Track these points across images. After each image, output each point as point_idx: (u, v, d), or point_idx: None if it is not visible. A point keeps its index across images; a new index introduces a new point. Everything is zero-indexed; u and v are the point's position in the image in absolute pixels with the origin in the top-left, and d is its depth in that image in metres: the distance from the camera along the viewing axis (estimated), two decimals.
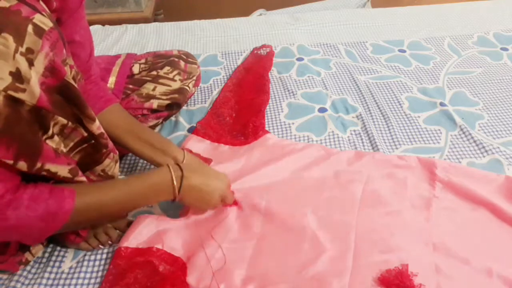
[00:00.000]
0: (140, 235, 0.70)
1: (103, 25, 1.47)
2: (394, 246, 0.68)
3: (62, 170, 0.55)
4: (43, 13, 0.49)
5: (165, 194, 0.67)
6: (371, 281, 0.63)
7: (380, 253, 0.67)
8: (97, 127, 0.60)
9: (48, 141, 0.52)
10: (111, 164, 0.66)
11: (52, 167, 0.53)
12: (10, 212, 0.50)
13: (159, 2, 1.92)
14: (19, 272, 0.67)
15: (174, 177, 0.65)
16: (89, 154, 0.62)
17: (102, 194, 0.60)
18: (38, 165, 0.51)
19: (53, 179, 0.56)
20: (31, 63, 0.46)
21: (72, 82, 0.53)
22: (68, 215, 0.55)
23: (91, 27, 1.41)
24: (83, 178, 0.60)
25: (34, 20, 0.46)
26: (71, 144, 0.58)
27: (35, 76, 0.47)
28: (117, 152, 0.69)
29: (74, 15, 0.68)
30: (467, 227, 0.72)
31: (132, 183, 0.64)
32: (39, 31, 0.47)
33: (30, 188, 0.52)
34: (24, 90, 0.46)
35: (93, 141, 0.61)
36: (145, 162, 0.89)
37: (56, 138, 0.54)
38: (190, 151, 0.84)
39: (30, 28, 0.46)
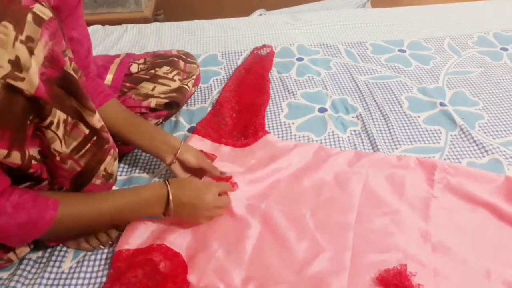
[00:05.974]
0: (140, 238, 0.70)
1: (103, 25, 1.47)
2: (392, 246, 0.68)
3: (34, 152, 0.54)
4: (43, 3, 0.49)
5: (154, 210, 0.67)
6: (369, 281, 0.64)
7: (379, 253, 0.67)
8: (97, 119, 0.59)
9: (43, 130, 0.52)
10: (111, 161, 0.66)
11: (32, 151, 0.52)
12: None
13: (159, 2, 1.92)
14: (19, 272, 0.67)
15: (163, 194, 0.66)
16: (94, 154, 0.61)
17: (87, 206, 0.61)
18: (27, 153, 0.51)
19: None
20: (31, 52, 0.46)
21: (72, 73, 0.53)
22: (48, 225, 0.55)
23: (91, 27, 1.41)
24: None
25: (33, 9, 0.47)
26: (74, 143, 0.57)
27: (35, 65, 0.47)
28: (117, 149, 0.68)
29: (73, 13, 0.69)
30: (466, 228, 0.72)
31: (120, 198, 0.65)
32: (38, 20, 0.47)
33: (16, 195, 0.53)
34: (23, 79, 0.46)
35: (95, 138, 0.60)
36: (145, 162, 0.90)
37: (53, 128, 0.53)
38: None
39: (29, 16, 0.46)
